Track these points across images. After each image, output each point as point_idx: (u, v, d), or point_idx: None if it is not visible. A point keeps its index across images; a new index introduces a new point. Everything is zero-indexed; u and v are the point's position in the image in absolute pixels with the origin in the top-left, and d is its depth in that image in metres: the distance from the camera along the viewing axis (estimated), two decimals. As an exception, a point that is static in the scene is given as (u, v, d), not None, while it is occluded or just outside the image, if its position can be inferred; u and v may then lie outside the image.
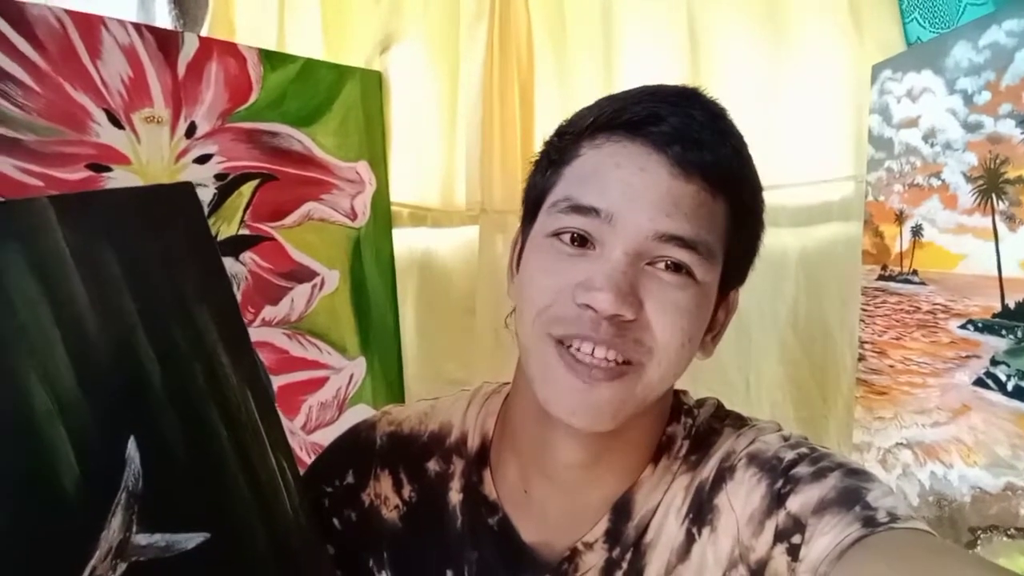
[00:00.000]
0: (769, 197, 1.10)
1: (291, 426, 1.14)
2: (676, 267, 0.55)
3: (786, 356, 1.29)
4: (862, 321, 1.20)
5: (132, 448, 0.49)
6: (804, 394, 1.29)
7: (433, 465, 0.66)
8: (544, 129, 1.03)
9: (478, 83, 1.24)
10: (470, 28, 1.23)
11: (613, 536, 0.60)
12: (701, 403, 0.65)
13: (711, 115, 0.57)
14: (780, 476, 0.56)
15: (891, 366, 1.16)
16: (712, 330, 0.60)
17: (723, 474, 0.59)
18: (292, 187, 1.17)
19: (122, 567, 0.47)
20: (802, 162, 1.24)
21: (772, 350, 1.29)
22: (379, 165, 1.27)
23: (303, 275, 1.18)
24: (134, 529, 0.48)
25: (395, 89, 1.30)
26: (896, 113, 1.12)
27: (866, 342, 1.20)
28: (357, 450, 0.68)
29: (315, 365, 1.18)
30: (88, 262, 0.49)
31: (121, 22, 1.00)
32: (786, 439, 0.60)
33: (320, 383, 1.18)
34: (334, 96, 1.21)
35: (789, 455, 0.57)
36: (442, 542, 0.63)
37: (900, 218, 1.12)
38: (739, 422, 0.63)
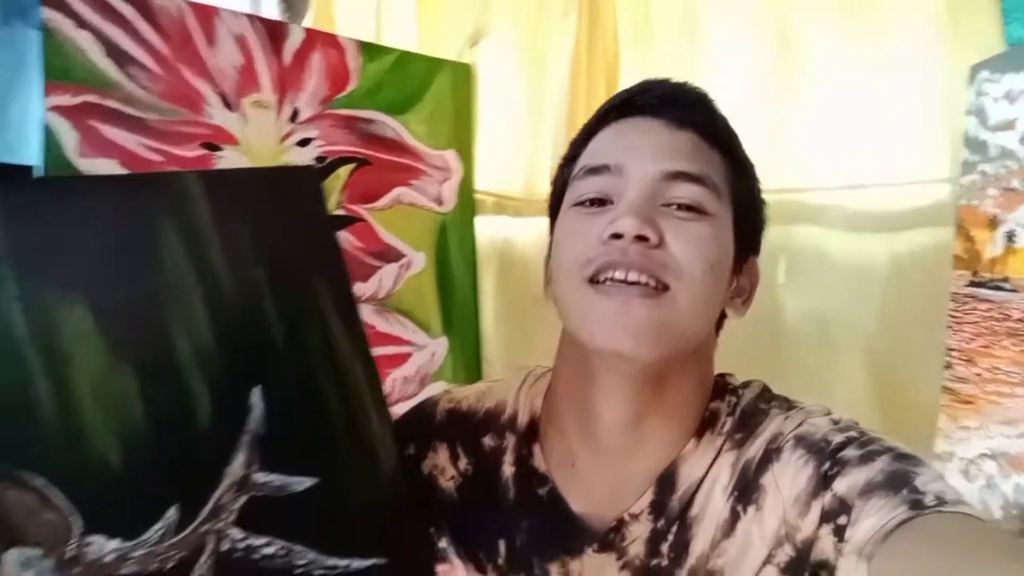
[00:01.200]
0: (858, 198, 1.11)
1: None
2: (688, 208, 0.60)
3: (871, 361, 1.29)
4: (950, 328, 1.20)
5: (256, 397, 0.56)
6: (888, 401, 1.29)
7: (488, 440, 0.70)
8: None
9: (565, 76, 1.28)
10: (558, 23, 1.27)
11: (658, 508, 0.62)
12: (746, 384, 0.67)
13: (699, 92, 0.66)
14: (828, 458, 0.58)
15: (978, 375, 1.15)
16: (740, 295, 0.66)
17: (770, 455, 0.60)
18: (384, 172, 1.24)
19: (242, 499, 0.54)
20: (893, 162, 1.23)
21: (856, 356, 1.29)
22: (466, 154, 1.34)
23: (391, 255, 1.25)
24: (254, 467, 0.56)
25: (483, 81, 1.36)
26: (992, 115, 1.11)
27: (953, 350, 1.19)
28: (419, 424, 0.74)
29: (399, 341, 1.25)
30: (225, 232, 0.56)
31: (234, 13, 1.09)
32: (835, 422, 0.61)
33: (404, 359, 1.25)
34: (426, 87, 1.28)
35: (838, 438, 0.59)
36: (496, 512, 0.67)
37: (993, 223, 1.11)
38: (786, 404, 0.65)
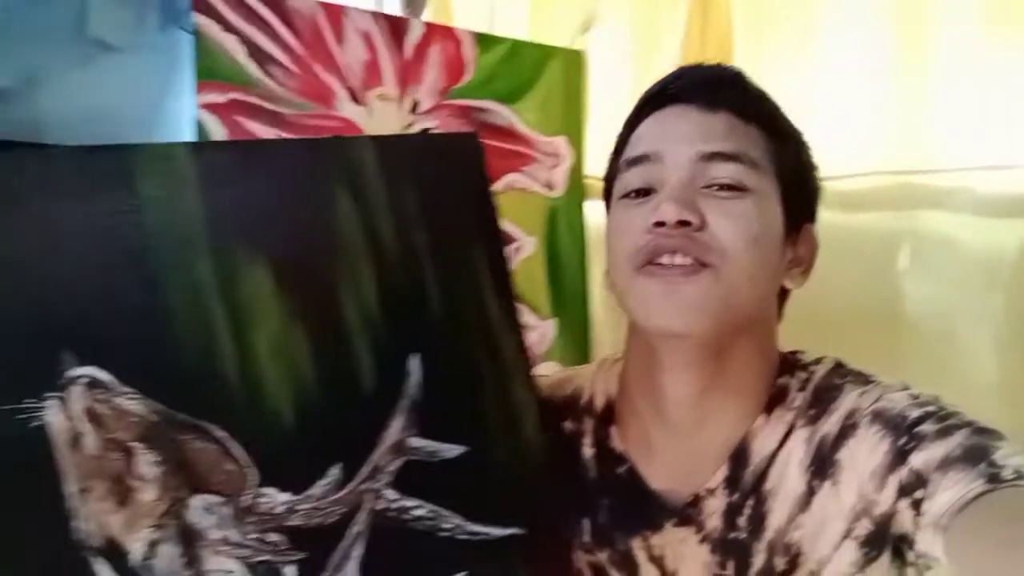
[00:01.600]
0: (989, 180, 1.06)
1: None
2: (728, 187, 0.61)
3: (998, 354, 1.23)
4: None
5: (415, 364, 0.58)
6: (1017, 395, 1.22)
7: (568, 425, 0.72)
8: None
9: (675, 64, 1.27)
10: (670, 10, 1.26)
11: (732, 482, 0.63)
12: (818, 360, 0.67)
13: (732, 71, 0.68)
14: (904, 433, 0.58)
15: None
16: (799, 265, 0.67)
17: (846, 431, 0.61)
18: (497, 159, 1.26)
19: (397, 463, 0.57)
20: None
21: (983, 348, 1.23)
22: (576, 140, 1.34)
23: (503, 240, 1.27)
24: (410, 433, 0.58)
25: (595, 68, 1.36)
26: None
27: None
28: None
29: None
30: (393, 198, 0.58)
31: (360, 10, 1.13)
32: (914, 397, 0.61)
33: None
34: (538, 74, 1.29)
35: (915, 413, 0.58)
36: (578, 492, 0.69)
37: None
38: (862, 379, 0.64)
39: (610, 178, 0.70)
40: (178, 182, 0.50)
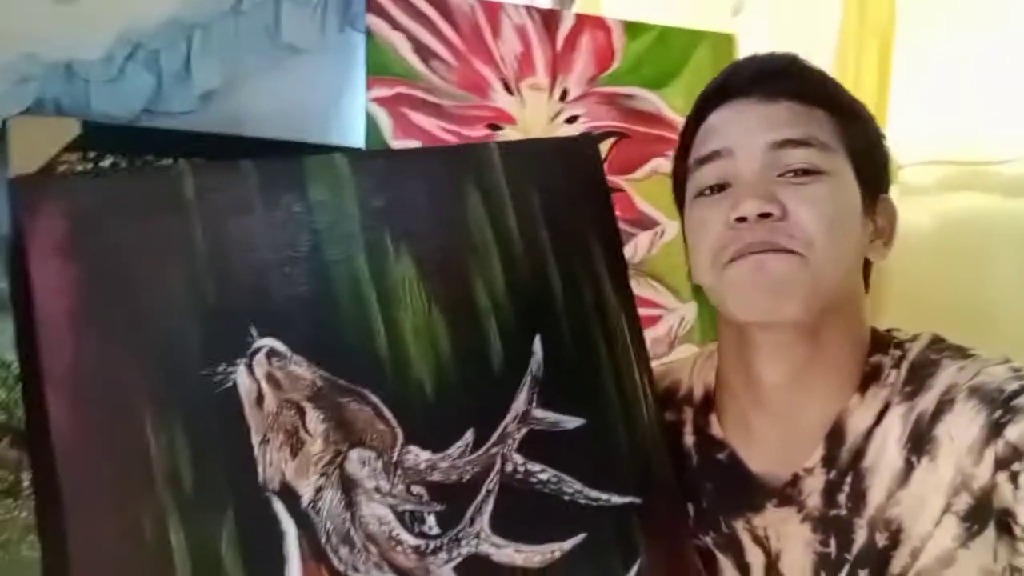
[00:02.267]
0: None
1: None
2: (803, 172, 0.61)
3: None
4: None
5: (538, 343, 0.64)
6: None
7: (669, 415, 0.73)
8: (902, 93, 0.99)
9: (832, 44, 1.22)
10: None
11: (829, 461, 0.63)
12: (915, 337, 0.65)
13: (787, 58, 0.66)
14: (1000, 407, 0.57)
15: None
16: (881, 236, 0.66)
17: (944, 406, 0.60)
18: (643, 144, 1.28)
19: (523, 431, 0.62)
20: None
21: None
22: None
23: (647, 223, 1.29)
24: (534, 404, 0.64)
25: (746, 51, 1.33)
26: None
27: None
28: None
29: (651, 304, 1.29)
30: (518, 196, 0.63)
31: (515, 5, 1.17)
32: (1016, 371, 0.59)
33: (654, 320, 1.29)
34: (686, 60, 1.29)
35: (1013, 386, 0.57)
36: (681, 479, 0.70)
37: None
38: (960, 353, 0.63)
39: (679, 178, 0.70)
40: (339, 187, 0.58)
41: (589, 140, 0.69)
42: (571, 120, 1.22)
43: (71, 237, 0.50)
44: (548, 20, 1.19)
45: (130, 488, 0.51)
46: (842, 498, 0.63)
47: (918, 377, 0.63)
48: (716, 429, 0.71)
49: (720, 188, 0.63)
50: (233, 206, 0.54)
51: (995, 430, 0.57)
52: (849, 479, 0.62)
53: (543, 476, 0.63)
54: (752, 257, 0.60)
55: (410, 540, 0.58)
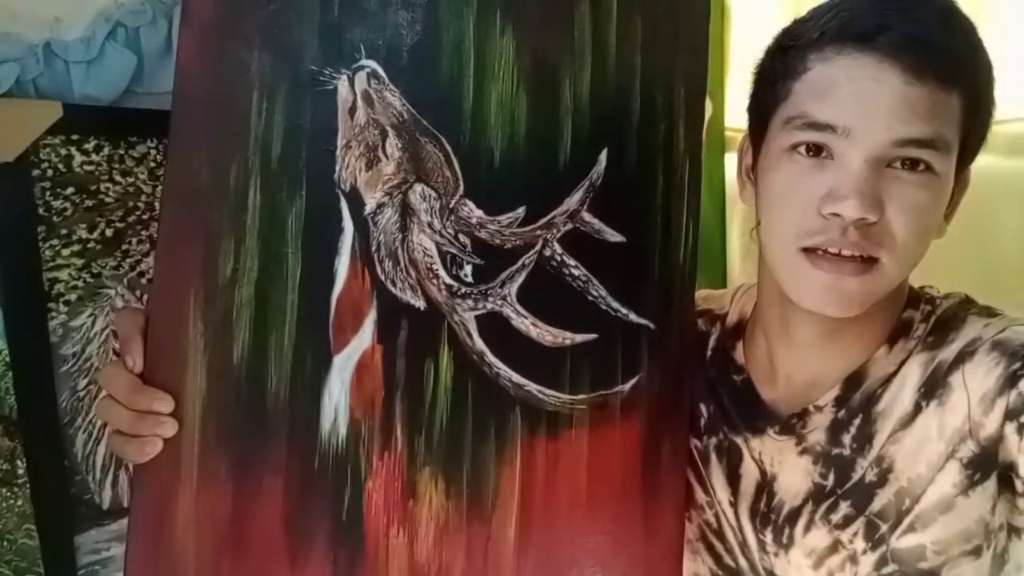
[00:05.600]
0: None
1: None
2: (914, 164, 0.54)
3: None
4: None
5: (603, 155, 0.64)
6: None
7: (700, 324, 0.74)
8: None
9: None
10: None
11: (842, 401, 0.62)
12: (947, 295, 0.63)
13: (941, 12, 0.55)
14: (1019, 359, 0.55)
15: None
16: (949, 210, 0.60)
17: (964, 356, 0.58)
18: None
19: (568, 227, 0.63)
20: None
21: None
22: (718, 91, 1.25)
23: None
24: (585, 207, 0.65)
25: (737, 17, 1.26)
26: None
27: None
28: None
29: None
30: (623, 18, 0.63)
31: None
32: None
33: None
34: None
35: None
36: (699, 381, 0.70)
37: None
38: (988, 312, 0.61)
39: (765, 103, 0.61)
40: None
41: None
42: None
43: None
44: None
45: (227, 142, 0.54)
46: (847, 438, 0.61)
47: (943, 330, 0.61)
48: (739, 355, 0.70)
49: (818, 150, 0.56)
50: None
51: (1010, 381, 0.55)
52: (858, 421, 0.61)
53: (575, 271, 0.64)
54: (829, 275, 0.55)
55: (445, 277, 0.60)
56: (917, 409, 0.59)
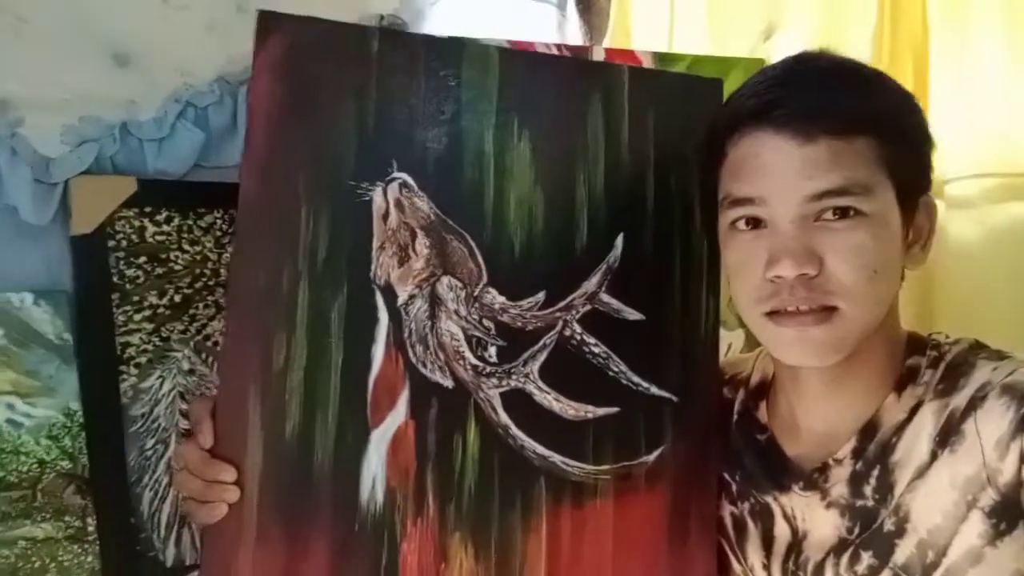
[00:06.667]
0: None
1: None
2: (842, 211, 0.57)
3: None
4: None
5: (620, 240, 0.68)
6: None
7: (726, 392, 0.74)
8: (940, 106, 0.90)
9: (866, 61, 1.07)
10: (857, 9, 1.06)
11: (859, 453, 0.62)
12: (956, 341, 0.62)
13: (826, 73, 0.59)
14: None
15: None
16: (919, 239, 0.62)
17: (975, 402, 0.57)
18: None
19: (588, 306, 0.68)
20: None
21: None
22: None
23: None
24: (603, 289, 0.69)
25: None
26: None
27: None
28: None
29: None
30: (635, 115, 0.68)
31: (546, 44, 1.06)
32: None
33: None
34: None
35: None
36: (726, 448, 0.71)
37: None
38: (997, 355, 0.61)
39: (707, 186, 0.65)
40: (486, 72, 0.66)
41: (713, 82, 0.73)
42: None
43: (286, 58, 0.63)
44: (579, 55, 1.02)
45: (280, 251, 0.63)
46: (868, 489, 0.61)
47: (953, 376, 0.60)
48: (761, 414, 0.71)
49: (756, 223, 0.60)
50: (403, 66, 0.65)
51: (1022, 424, 0.54)
52: (876, 471, 0.61)
53: (595, 349, 0.68)
54: (793, 329, 0.58)
55: (471, 359, 0.66)
56: (933, 458, 0.59)
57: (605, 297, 0.68)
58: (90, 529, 0.76)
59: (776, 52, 1.18)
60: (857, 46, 1.06)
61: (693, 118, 0.71)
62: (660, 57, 1.16)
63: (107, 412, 0.76)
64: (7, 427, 0.73)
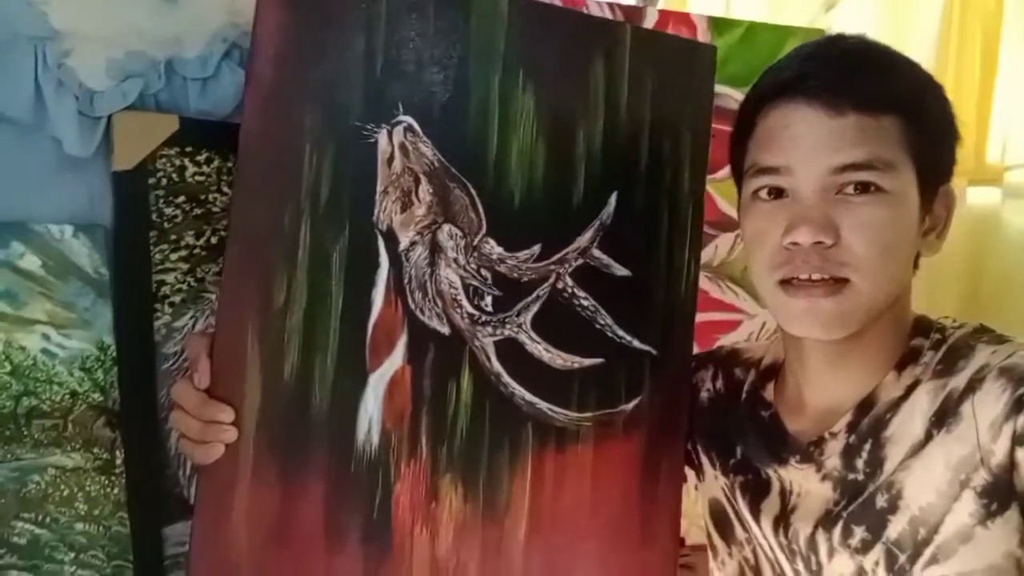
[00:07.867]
0: None
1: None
2: (863, 186, 0.58)
3: None
4: None
5: (613, 199, 0.70)
6: None
7: (738, 372, 0.75)
8: (1008, 88, 0.87)
9: (932, 37, 1.05)
10: None
11: (853, 427, 0.63)
12: (961, 325, 0.64)
13: (854, 52, 0.60)
14: None
15: None
16: (936, 227, 0.62)
17: (973, 384, 0.58)
18: (725, 144, 1.26)
19: (579, 262, 0.69)
20: None
21: None
22: None
23: (728, 225, 1.14)
24: (595, 244, 0.70)
25: None
26: None
27: None
28: (707, 353, 0.81)
29: (731, 308, 1.16)
30: (635, 73, 0.68)
31: (599, 2, 1.05)
32: None
33: (734, 325, 1.16)
34: (774, 56, 1.16)
35: None
36: (733, 422, 0.73)
37: None
38: (998, 339, 0.61)
39: (735, 158, 0.66)
40: (495, 20, 0.65)
41: (708, 48, 0.74)
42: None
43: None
44: (631, 16, 1.06)
45: (283, 189, 0.60)
46: (860, 463, 0.62)
47: (953, 358, 0.60)
48: (768, 392, 0.71)
49: (779, 192, 0.61)
50: (413, 6, 0.63)
51: (1017, 406, 0.54)
52: (868, 446, 0.61)
53: (585, 302, 0.70)
54: (804, 300, 0.59)
55: (468, 307, 0.66)
56: (928, 437, 0.59)
57: (596, 252, 0.70)
58: (118, 462, 0.75)
59: (837, 23, 1.16)
60: (925, 20, 1.03)
61: (686, 82, 0.72)
62: (714, 22, 1.12)
63: (140, 348, 0.75)
64: (41, 356, 0.71)
